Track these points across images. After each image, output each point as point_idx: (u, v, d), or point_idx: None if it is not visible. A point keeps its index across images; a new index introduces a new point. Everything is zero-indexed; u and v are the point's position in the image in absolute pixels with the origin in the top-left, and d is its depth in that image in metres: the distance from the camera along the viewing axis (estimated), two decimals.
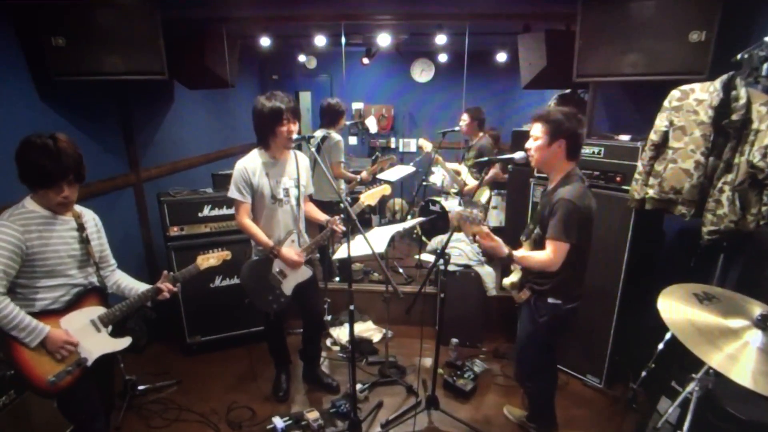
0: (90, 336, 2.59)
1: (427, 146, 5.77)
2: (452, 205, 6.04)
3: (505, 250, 2.77)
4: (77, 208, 2.61)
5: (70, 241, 2.52)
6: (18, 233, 2.30)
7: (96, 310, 2.63)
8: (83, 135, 4.07)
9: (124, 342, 2.73)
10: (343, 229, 3.29)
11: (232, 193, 3.36)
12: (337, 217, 3.40)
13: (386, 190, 3.69)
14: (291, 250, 3.43)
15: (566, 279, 2.79)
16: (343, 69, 6.73)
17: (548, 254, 2.70)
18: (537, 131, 2.80)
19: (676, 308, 2.19)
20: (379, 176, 5.50)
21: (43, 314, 2.44)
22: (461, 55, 6.23)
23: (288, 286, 3.54)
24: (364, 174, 5.46)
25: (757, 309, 2.14)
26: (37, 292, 2.44)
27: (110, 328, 2.67)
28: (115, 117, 4.58)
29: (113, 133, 4.57)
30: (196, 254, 2.99)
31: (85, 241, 2.58)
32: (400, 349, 4.61)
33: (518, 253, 2.82)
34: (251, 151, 3.43)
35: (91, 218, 2.71)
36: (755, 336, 1.99)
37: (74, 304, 2.56)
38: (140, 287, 2.81)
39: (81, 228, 2.57)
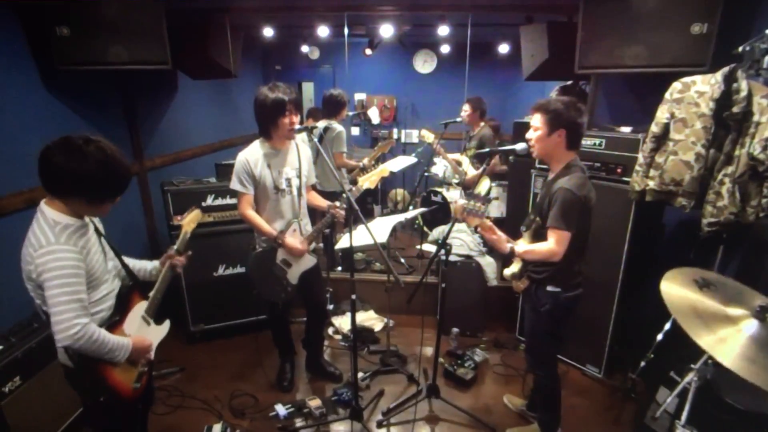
0: (146, 331, 2.54)
1: (429, 137, 5.81)
2: (453, 196, 6.06)
3: (507, 246, 2.78)
4: None
5: (96, 242, 2.34)
6: (75, 251, 2.09)
7: (142, 306, 2.55)
8: (87, 124, 4.09)
9: (167, 326, 2.71)
10: (343, 213, 3.31)
11: (234, 184, 3.36)
12: (337, 202, 3.41)
13: (384, 172, 3.69)
14: (294, 239, 3.45)
15: (563, 267, 2.79)
16: (346, 60, 6.72)
17: (551, 244, 2.70)
18: (537, 122, 2.80)
19: (678, 291, 2.22)
20: (380, 165, 5.53)
21: (109, 327, 2.30)
22: (463, 47, 6.22)
23: (293, 275, 3.56)
24: (365, 161, 5.51)
25: (756, 299, 2.16)
26: (97, 305, 2.28)
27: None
28: (119, 107, 4.59)
29: (117, 122, 4.58)
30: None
31: (101, 236, 2.42)
32: (402, 339, 4.65)
33: (520, 248, 2.82)
34: (253, 142, 3.44)
35: None
36: (751, 325, 2.02)
37: (126, 306, 2.46)
38: (147, 265, 2.71)
39: (93, 224, 2.38)
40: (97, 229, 2.38)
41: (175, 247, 2.73)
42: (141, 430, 3.00)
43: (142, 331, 2.51)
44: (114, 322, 2.36)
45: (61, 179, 2.07)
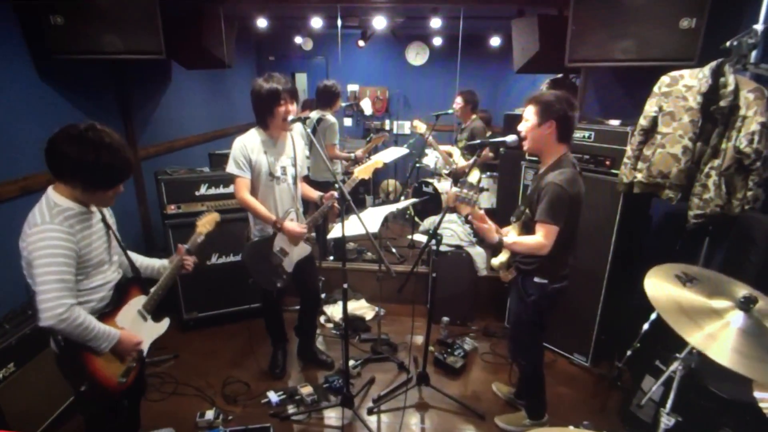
0: (141, 327, 2.53)
1: (422, 127, 5.85)
2: (444, 187, 6.11)
3: (496, 236, 2.82)
4: None
5: (101, 233, 2.34)
6: (67, 234, 2.08)
7: (140, 300, 2.55)
8: (81, 113, 4.09)
9: (165, 323, 2.70)
10: (338, 206, 3.35)
11: (231, 168, 3.36)
12: (332, 192, 3.44)
13: (378, 163, 3.72)
14: (293, 223, 3.47)
15: (551, 260, 2.82)
16: (339, 51, 6.74)
17: (539, 238, 2.73)
18: (528, 113, 2.83)
19: (662, 287, 2.25)
20: (373, 156, 5.56)
21: (101, 317, 2.28)
22: (455, 39, 6.25)
23: (289, 263, 3.59)
24: (358, 153, 5.56)
25: (739, 290, 2.19)
26: (87, 294, 2.27)
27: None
28: (113, 96, 4.60)
29: (111, 111, 4.58)
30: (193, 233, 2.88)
31: (109, 228, 2.41)
32: (392, 327, 4.70)
33: (509, 239, 2.85)
34: (250, 130, 3.45)
35: None
36: (737, 317, 2.05)
37: (122, 299, 2.45)
38: (155, 263, 2.72)
39: (102, 215, 2.38)
40: (105, 221, 2.39)
41: (187, 246, 2.73)
42: (133, 419, 3.03)
43: (137, 325, 2.51)
44: (106, 312, 2.35)
45: (60, 162, 2.11)
